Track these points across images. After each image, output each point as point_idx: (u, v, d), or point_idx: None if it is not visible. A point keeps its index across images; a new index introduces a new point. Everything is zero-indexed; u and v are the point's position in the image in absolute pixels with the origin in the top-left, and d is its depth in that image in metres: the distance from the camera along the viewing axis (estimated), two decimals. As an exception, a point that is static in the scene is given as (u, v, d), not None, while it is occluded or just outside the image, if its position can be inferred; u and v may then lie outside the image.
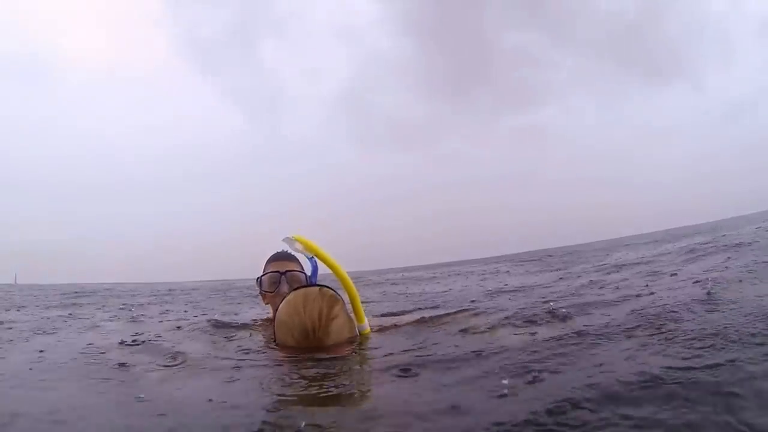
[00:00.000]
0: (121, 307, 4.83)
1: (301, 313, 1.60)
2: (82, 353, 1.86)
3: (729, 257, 3.48)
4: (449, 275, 6.88)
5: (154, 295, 6.67)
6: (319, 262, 2.00)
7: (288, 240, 1.82)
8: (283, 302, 1.68)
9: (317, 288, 1.68)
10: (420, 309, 2.96)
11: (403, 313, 2.80)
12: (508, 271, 6.29)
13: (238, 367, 1.51)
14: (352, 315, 1.79)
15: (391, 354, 1.54)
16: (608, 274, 4.03)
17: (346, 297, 1.78)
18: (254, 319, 2.68)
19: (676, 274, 3.09)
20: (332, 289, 1.70)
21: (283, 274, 2.24)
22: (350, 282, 1.77)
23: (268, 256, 2.40)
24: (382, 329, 2.02)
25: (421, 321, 2.23)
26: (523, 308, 2.24)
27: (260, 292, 2.35)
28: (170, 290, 7.92)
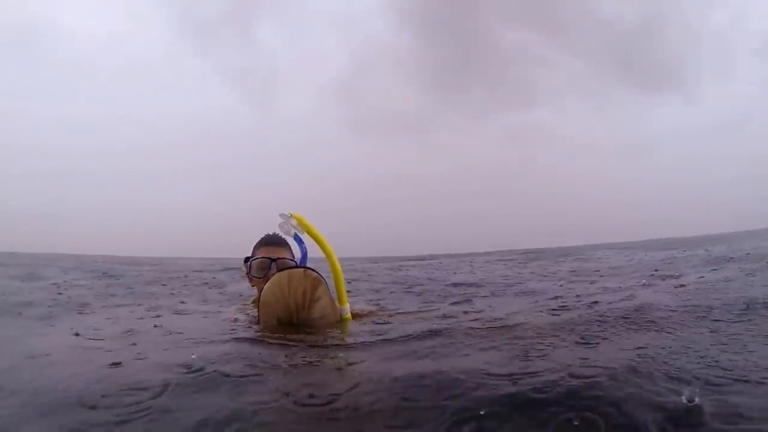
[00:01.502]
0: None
1: (285, 294, 1.63)
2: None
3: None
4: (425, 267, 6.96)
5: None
6: (309, 250, 2.09)
7: (284, 216, 1.88)
8: (267, 283, 1.69)
9: (302, 270, 1.70)
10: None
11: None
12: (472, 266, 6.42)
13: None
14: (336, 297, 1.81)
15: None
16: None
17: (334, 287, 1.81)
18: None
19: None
20: (316, 272, 1.72)
21: (273, 261, 2.18)
22: (337, 264, 1.81)
23: (259, 238, 2.34)
24: (363, 314, 2.07)
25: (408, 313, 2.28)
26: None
27: (247, 274, 2.31)
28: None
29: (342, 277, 1.83)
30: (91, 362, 1.37)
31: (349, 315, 1.85)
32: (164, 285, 4.72)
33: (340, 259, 1.86)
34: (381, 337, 1.57)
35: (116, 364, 1.30)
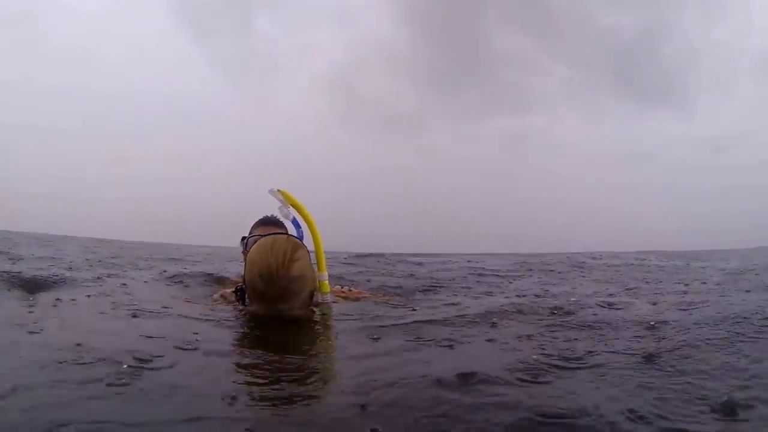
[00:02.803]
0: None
1: (268, 253, 1.75)
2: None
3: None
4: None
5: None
6: (305, 235, 2.20)
7: (272, 191, 2.03)
8: (254, 245, 1.82)
9: (285, 235, 1.85)
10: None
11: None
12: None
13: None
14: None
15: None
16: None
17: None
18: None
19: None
20: (299, 240, 1.87)
21: None
22: (317, 232, 2.01)
23: (258, 218, 2.49)
24: (338, 292, 2.26)
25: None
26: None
27: (243, 252, 2.38)
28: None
29: (322, 245, 1.99)
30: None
31: (327, 282, 1.98)
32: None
33: (326, 252, 2.01)
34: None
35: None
